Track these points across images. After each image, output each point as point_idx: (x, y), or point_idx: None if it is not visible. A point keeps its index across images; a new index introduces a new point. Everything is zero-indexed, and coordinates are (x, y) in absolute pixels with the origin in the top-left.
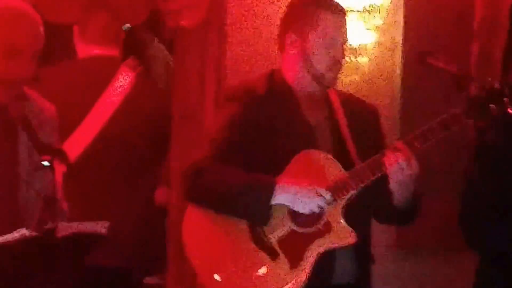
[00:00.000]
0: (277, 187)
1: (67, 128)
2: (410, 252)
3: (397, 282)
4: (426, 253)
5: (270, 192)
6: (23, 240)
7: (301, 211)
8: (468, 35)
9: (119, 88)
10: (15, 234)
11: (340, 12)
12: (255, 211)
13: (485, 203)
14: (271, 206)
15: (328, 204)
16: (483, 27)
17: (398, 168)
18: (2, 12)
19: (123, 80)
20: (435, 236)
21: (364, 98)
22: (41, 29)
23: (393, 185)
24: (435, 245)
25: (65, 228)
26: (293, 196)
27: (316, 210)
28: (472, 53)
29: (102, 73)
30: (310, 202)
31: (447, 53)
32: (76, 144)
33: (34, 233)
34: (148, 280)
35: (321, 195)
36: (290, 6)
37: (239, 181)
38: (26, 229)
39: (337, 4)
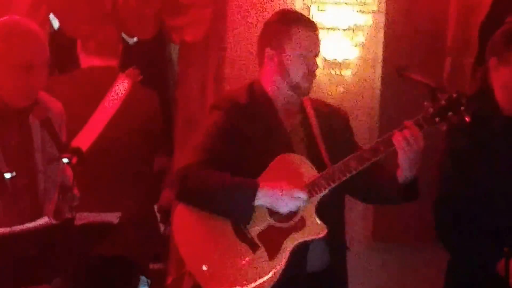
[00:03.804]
0: (259, 189)
1: (71, 130)
2: (385, 244)
3: (372, 272)
4: (400, 245)
5: (252, 194)
6: (44, 228)
7: (281, 211)
8: (441, 51)
9: (117, 93)
10: (37, 222)
11: (312, 27)
12: (239, 211)
13: (455, 202)
14: (253, 206)
15: (304, 203)
16: (455, 44)
17: (406, 143)
18: (8, 33)
19: (121, 87)
20: (408, 229)
21: (347, 107)
22: (46, 43)
23: (402, 160)
24: (408, 237)
25: (83, 217)
26: (274, 198)
27: (294, 209)
28: (445, 67)
29: (101, 81)
30: (289, 203)
31: (422, 68)
32: (80, 145)
33: (54, 221)
34: (153, 265)
35: (298, 197)
36: (267, 24)
37: (223, 184)
38: (48, 217)
39: (310, 20)
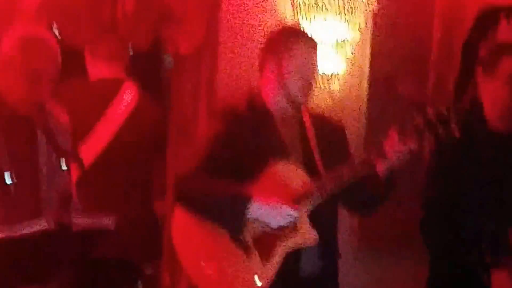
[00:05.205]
0: (251, 204)
1: (79, 139)
2: (370, 252)
3: (357, 279)
4: (386, 253)
5: (245, 208)
6: (41, 233)
7: (272, 225)
8: (425, 66)
9: (125, 102)
10: (35, 227)
11: (311, 43)
12: (231, 223)
13: (439, 214)
14: (245, 219)
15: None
16: (439, 59)
17: (398, 155)
18: (25, 42)
19: (128, 96)
20: (394, 237)
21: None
22: (59, 55)
23: (387, 167)
24: (394, 246)
25: (80, 221)
26: (265, 215)
27: (285, 225)
28: (429, 81)
29: (109, 93)
30: (280, 220)
31: (407, 82)
32: (89, 153)
33: (51, 227)
34: (146, 268)
35: (289, 215)
36: (270, 38)
37: (218, 194)
38: (45, 222)
39: (309, 36)
